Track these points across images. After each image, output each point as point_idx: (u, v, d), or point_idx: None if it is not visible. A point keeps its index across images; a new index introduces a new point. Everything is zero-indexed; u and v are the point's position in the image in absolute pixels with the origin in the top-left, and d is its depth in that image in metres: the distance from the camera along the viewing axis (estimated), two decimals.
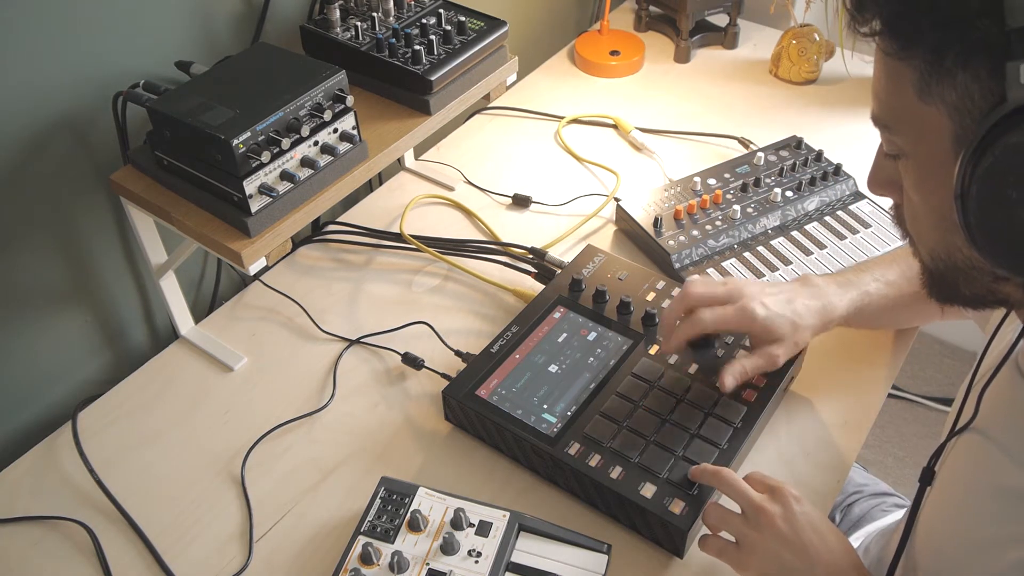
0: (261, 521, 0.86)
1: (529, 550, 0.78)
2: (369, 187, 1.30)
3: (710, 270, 1.06)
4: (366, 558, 0.76)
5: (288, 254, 1.00)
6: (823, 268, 1.06)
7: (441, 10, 1.05)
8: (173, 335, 1.05)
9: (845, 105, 1.39)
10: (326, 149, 0.89)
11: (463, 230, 1.19)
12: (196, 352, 1.03)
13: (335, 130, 0.90)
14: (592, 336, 0.95)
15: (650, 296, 0.99)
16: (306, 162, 0.88)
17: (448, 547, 0.76)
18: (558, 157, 1.31)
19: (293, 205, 0.88)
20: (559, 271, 1.04)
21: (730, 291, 0.86)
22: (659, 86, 1.45)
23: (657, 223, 1.10)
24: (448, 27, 1.02)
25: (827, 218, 1.13)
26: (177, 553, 0.83)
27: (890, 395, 1.57)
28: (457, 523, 0.78)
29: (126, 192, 0.91)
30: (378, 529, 0.79)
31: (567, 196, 1.22)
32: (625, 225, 1.15)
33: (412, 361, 0.98)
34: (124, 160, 0.94)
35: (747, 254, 1.09)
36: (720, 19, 1.54)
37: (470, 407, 0.88)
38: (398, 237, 1.14)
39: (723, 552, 0.75)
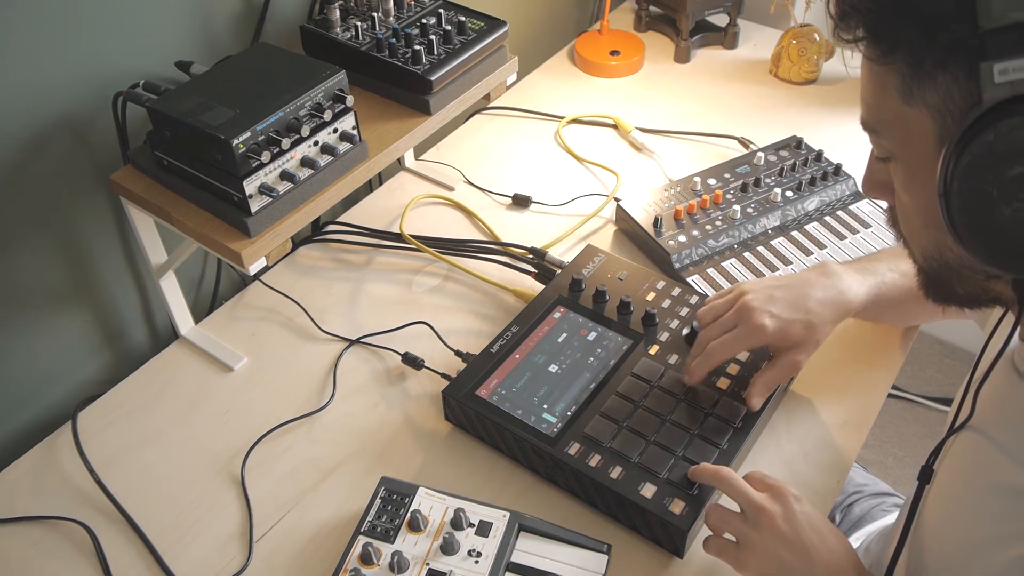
0: (261, 521, 0.86)
1: (529, 550, 0.78)
2: (369, 187, 1.30)
3: (710, 270, 1.06)
4: (366, 558, 0.76)
5: (288, 254, 1.00)
6: None
7: (441, 10, 1.05)
8: (173, 335, 1.05)
9: (845, 105, 1.39)
10: (326, 149, 0.89)
11: (463, 230, 1.19)
12: (196, 352, 1.03)
13: (335, 130, 0.90)
14: (592, 336, 0.95)
15: (650, 296, 0.99)
16: (306, 162, 0.88)
17: (448, 547, 0.76)
18: (558, 157, 1.31)
19: (293, 205, 0.88)
20: (559, 271, 1.04)
21: (738, 311, 0.84)
22: (659, 86, 1.45)
23: (657, 223, 1.10)
24: (448, 27, 1.02)
25: (827, 218, 1.13)
26: (177, 553, 0.83)
27: (890, 395, 1.58)
28: (457, 523, 0.78)
29: (126, 192, 0.91)
30: (378, 529, 0.79)
31: (567, 196, 1.22)
32: (625, 225, 1.15)
33: (412, 361, 0.98)
34: (124, 160, 0.94)
35: (747, 254, 1.09)
36: (720, 19, 1.54)
37: (470, 407, 0.88)
38: (398, 237, 1.14)
39: (723, 551, 0.75)
